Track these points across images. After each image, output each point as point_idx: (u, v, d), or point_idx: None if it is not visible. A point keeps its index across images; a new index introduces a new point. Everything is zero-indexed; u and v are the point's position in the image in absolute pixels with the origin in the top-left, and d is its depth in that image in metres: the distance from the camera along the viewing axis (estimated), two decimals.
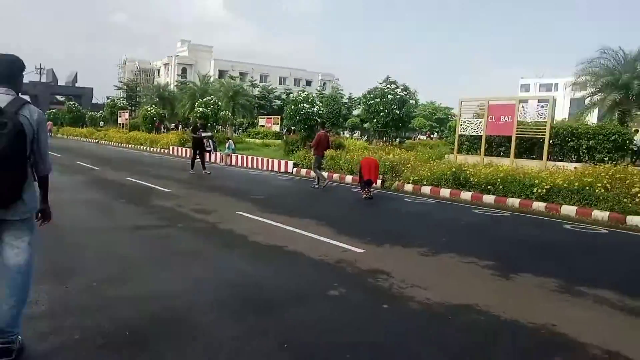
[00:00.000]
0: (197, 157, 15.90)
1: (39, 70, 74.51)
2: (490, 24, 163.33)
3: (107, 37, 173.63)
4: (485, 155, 14.42)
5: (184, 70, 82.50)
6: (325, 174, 14.18)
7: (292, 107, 20.22)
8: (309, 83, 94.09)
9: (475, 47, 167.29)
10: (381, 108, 19.07)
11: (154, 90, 48.23)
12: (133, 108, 46.88)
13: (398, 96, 19.09)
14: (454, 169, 12.51)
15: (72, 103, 54.19)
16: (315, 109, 19.95)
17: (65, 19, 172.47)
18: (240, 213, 8.33)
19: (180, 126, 40.85)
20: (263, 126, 38.15)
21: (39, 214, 3.11)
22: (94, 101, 72.09)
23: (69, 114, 51.31)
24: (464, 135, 15.51)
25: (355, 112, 63.11)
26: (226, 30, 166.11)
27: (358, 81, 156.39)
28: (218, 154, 21.80)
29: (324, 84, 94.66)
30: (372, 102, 19.31)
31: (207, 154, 22.94)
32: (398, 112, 19.14)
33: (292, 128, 28.81)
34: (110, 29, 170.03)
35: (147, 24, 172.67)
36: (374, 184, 11.39)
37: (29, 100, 2.96)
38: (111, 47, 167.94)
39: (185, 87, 56.50)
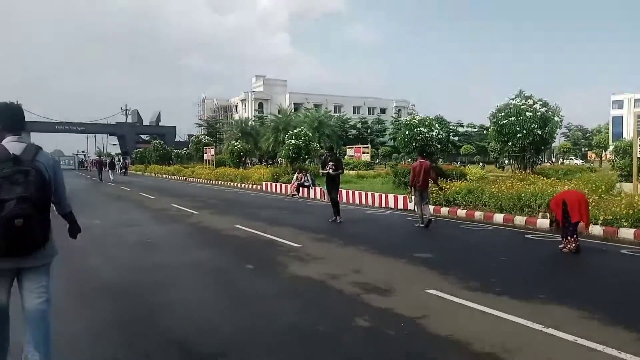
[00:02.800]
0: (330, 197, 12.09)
1: (124, 112, 78.37)
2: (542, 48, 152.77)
3: (184, 78, 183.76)
4: None
5: (260, 105, 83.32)
6: (431, 207, 11.94)
7: (407, 133, 17.29)
8: (383, 110, 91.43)
9: (547, 66, 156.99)
10: (518, 128, 15.62)
11: (236, 126, 47.80)
12: (215, 144, 46.46)
13: (538, 113, 15.58)
14: None
15: (157, 142, 55.33)
16: (434, 133, 16.89)
17: (144, 63, 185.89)
18: (432, 292, 5.38)
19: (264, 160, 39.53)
20: (352, 156, 35.70)
21: (70, 229, 3.24)
22: (176, 139, 74.09)
23: (156, 152, 52.22)
24: None
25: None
26: (295, 65, 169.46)
27: (429, 104, 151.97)
28: (317, 189, 19.34)
29: (399, 110, 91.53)
30: (505, 121, 15.90)
31: (306, 189, 20.68)
32: (540, 132, 15.58)
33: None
34: (186, 70, 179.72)
35: (220, 63, 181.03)
36: (584, 230, 8.07)
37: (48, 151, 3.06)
38: (188, 87, 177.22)
39: (265, 120, 55.88)
